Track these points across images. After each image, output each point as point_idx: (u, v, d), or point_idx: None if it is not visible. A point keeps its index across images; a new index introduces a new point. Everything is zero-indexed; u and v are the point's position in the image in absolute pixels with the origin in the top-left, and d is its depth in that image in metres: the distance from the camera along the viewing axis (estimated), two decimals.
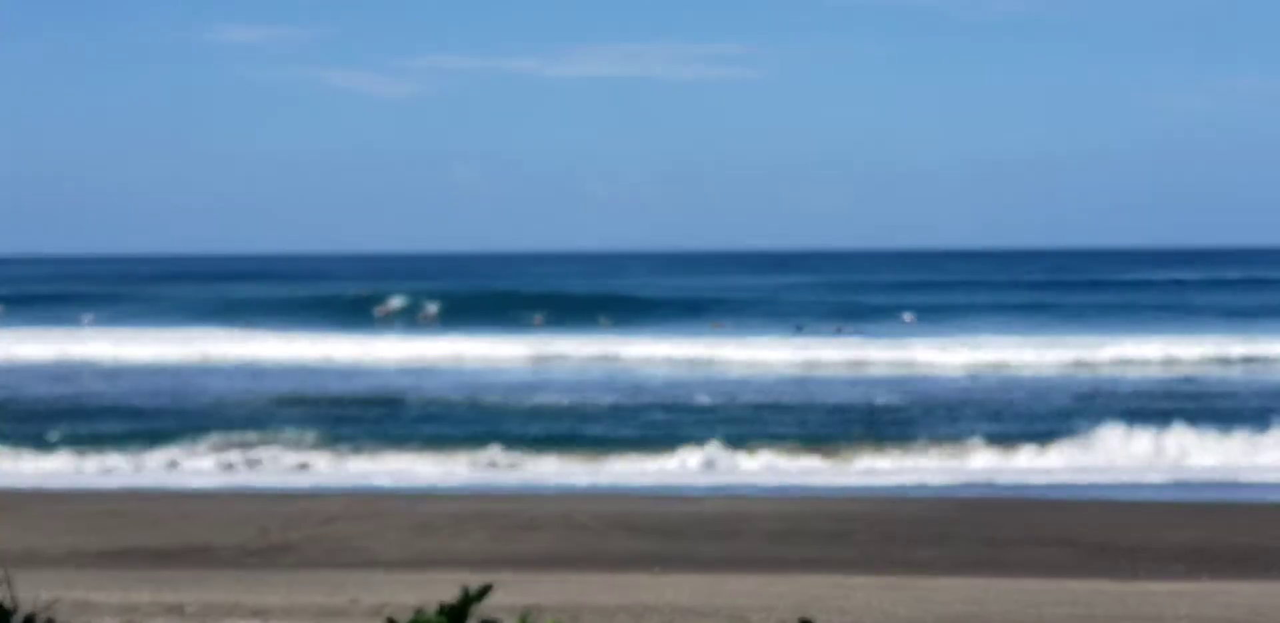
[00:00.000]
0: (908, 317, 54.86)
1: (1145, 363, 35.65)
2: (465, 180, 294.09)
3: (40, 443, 23.63)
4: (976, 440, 22.67)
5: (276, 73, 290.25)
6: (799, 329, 49.62)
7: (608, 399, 28.94)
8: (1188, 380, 32.51)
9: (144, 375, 35.49)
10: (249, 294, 70.31)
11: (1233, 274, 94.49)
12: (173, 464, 22.74)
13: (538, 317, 52.90)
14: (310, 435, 24.13)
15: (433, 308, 56.50)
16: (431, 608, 3.29)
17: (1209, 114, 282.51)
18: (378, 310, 57.82)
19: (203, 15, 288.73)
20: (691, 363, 36.80)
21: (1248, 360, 36.39)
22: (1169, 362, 35.93)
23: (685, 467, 22.02)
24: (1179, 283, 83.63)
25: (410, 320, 54.87)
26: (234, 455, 23.06)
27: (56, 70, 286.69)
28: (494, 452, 22.60)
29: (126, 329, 47.72)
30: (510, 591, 11.07)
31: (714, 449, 22.38)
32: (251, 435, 24.39)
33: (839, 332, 48.93)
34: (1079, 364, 35.36)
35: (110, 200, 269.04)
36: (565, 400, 28.71)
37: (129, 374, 35.80)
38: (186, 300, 66.46)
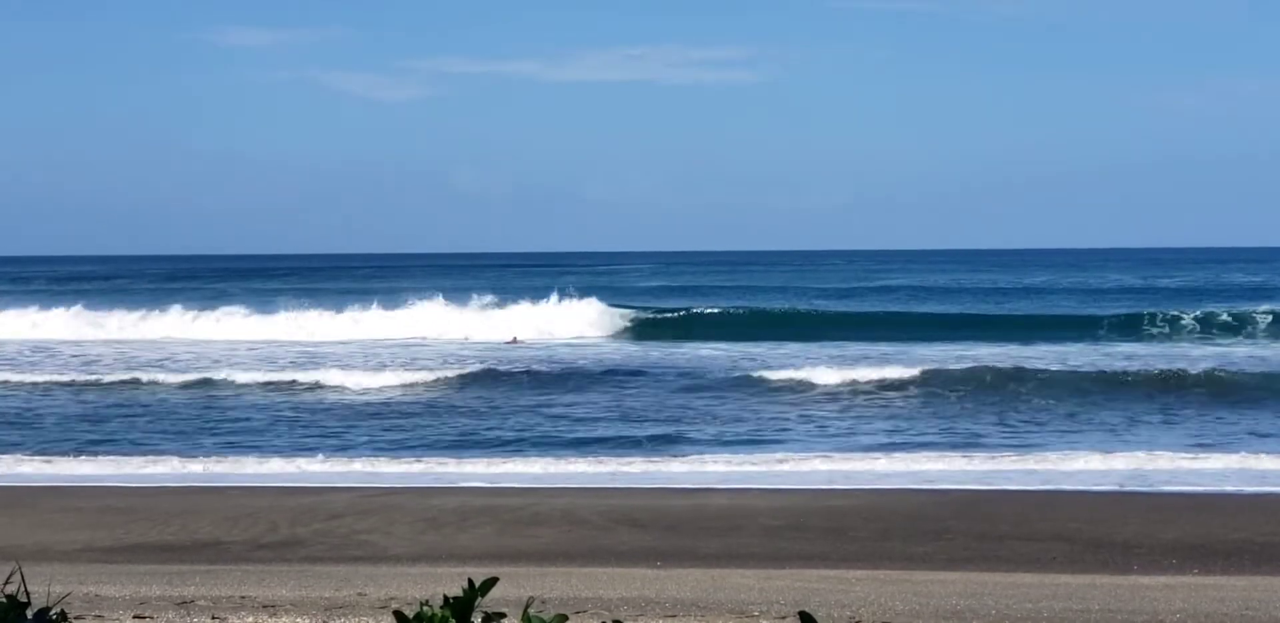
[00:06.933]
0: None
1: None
2: (466, 183, 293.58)
3: None
4: None
5: (279, 75, 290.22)
6: None
7: None
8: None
9: None
10: None
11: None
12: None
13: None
14: None
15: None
16: (437, 602, 3.31)
17: (1205, 115, 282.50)
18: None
19: (207, 18, 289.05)
20: None
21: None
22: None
23: None
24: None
25: None
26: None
27: (58, 71, 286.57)
28: None
29: None
30: (515, 584, 11.23)
31: None
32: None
33: None
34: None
35: (110, 201, 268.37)
36: None
37: None
38: None
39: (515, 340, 45.95)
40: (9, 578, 4.02)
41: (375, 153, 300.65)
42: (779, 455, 22.67)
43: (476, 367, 36.65)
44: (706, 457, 22.70)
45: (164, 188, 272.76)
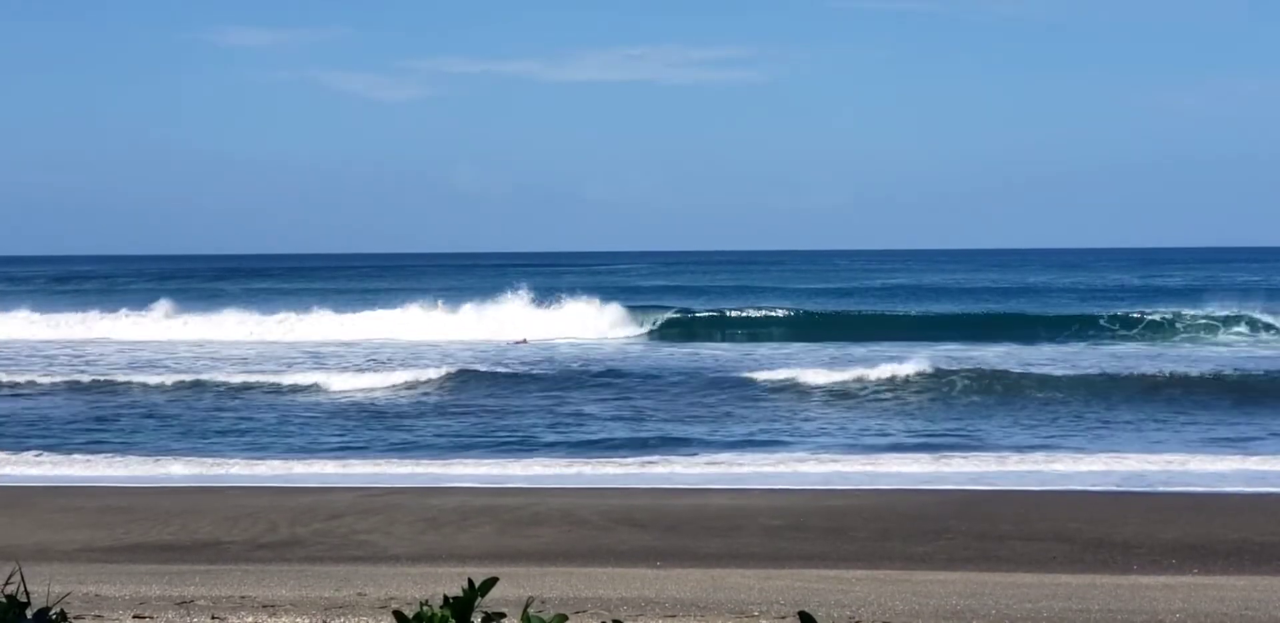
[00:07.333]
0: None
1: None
2: (466, 183, 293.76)
3: None
4: None
5: (279, 75, 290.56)
6: None
7: None
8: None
9: None
10: None
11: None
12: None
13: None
14: None
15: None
16: (437, 602, 3.31)
17: (1205, 115, 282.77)
18: None
19: (207, 18, 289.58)
20: None
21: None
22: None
23: None
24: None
25: None
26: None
27: (58, 71, 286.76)
28: None
29: None
30: (515, 584, 11.23)
31: None
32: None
33: None
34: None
35: (110, 201, 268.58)
36: None
37: None
38: None
39: (524, 341, 45.99)
40: (9, 578, 4.02)
41: (375, 153, 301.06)
42: (779, 456, 22.67)
43: (477, 367, 36.63)
44: (706, 457, 22.71)
45: (164, 188, 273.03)
